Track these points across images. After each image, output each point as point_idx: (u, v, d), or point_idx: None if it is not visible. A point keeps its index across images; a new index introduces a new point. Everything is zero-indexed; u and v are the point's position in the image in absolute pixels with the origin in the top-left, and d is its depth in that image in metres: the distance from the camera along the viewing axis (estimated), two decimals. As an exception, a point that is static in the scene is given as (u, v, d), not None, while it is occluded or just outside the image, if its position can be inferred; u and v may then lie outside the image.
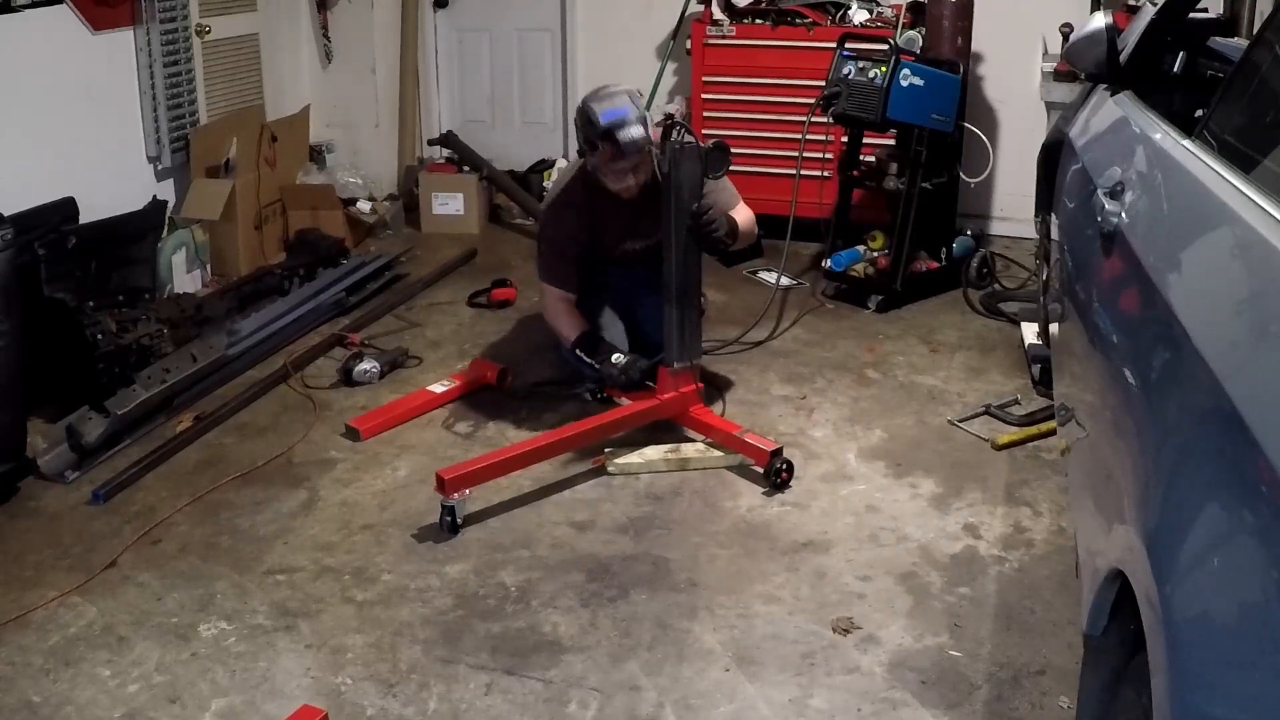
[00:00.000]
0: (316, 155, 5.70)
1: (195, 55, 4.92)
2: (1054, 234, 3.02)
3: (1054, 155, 3.07)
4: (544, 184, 5.90)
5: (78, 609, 2.73)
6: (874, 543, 2.99)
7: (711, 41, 5.31)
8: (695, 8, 5.49)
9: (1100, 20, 2.83)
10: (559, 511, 3.15)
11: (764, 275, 5.01)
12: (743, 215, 3.70)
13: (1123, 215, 2.00)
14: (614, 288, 3.98)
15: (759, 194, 5.16)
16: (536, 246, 3.94)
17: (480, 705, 2.39)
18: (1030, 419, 3.60)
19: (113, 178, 4.48)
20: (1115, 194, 2.09)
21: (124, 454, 3.46)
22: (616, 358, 3.62)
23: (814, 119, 4.49)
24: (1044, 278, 3.43)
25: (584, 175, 3.70)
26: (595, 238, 3.79)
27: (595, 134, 3.49)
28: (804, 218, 4.51)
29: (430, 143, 6.07)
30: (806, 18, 5.18)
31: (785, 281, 4.65)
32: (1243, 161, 1.71)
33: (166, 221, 4.61)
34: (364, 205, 5.64)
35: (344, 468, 3.41)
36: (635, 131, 3.46)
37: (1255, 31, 3.12)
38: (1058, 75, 4.89)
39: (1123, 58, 2.85)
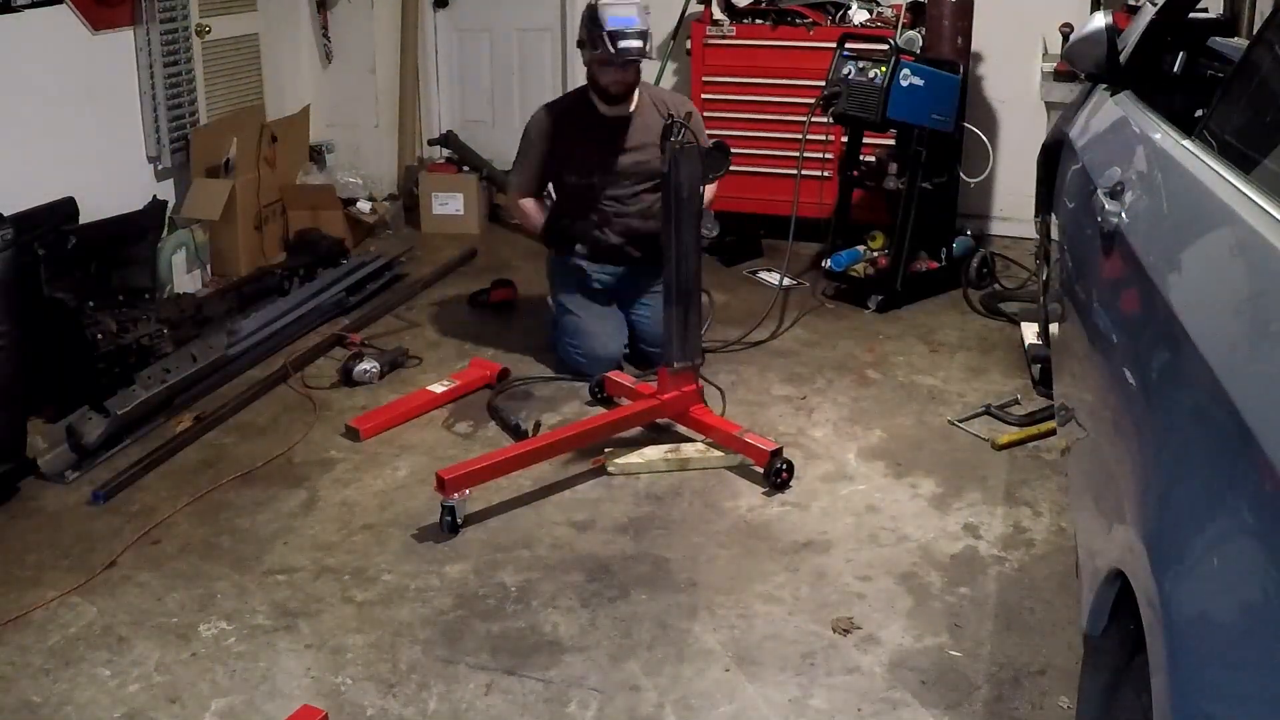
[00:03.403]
0: (316, 155, 5.70)
1: (195, 55, 4.92)
2: (1054, 234, 3.02)
3: (1054, 155, 3.07)
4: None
5: (78, 609, 2.73)
6: (874, 543, 2.99)
7: (711, 41, 5.31)
8: (695, 8, 5.48)
9: (1100, 20, 2.83)
10: (559, 511, 3.15)
11: (764, 275, 5.01)
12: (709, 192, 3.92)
13: (1123, 215, 2.00)
14: (610, 287, 4.06)
15: (759, 194, 5.20)
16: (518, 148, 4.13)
17: (480, 705, 2.39)
18: (1030, 419, 3.60)
19: (113, 178, 4.48)
20: (1115, 194, 2.09)
21: (124, 454, 3.46)
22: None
23: (814, 119, 4.50)
24: (1044, 278, 3.43)
25: (581, 92, 4.05)
26: (574, 157, 3.99)
27: (597, 33, 3.76)
28: (804, 218, 4.51)
29: (430, 143, 6.07)
30: (806, 18, 5.18)
31: (786, 282, 4.65)
32: (1243, 161, 1.71)
33: (166, 221, 4.61)
34: (364, 205, 5.64)
35: (344, 468, 3.41)
36: (633, 44, 3.75)
37: (1255, 31, 3.11)
38: (1058, 75, 4.89)
39: (1123, 58, 2.85)
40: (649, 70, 5.69)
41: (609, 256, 4.06)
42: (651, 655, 2.54)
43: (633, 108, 4.00)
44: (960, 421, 3.63)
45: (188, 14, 4.83)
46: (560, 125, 4.00)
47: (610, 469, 3.33)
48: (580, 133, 3.98)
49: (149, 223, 4.42)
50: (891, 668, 2.49)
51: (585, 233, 4.00)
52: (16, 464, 3.26)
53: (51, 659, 2.55)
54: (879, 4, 5.19)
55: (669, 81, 5.75)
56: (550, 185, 4.17)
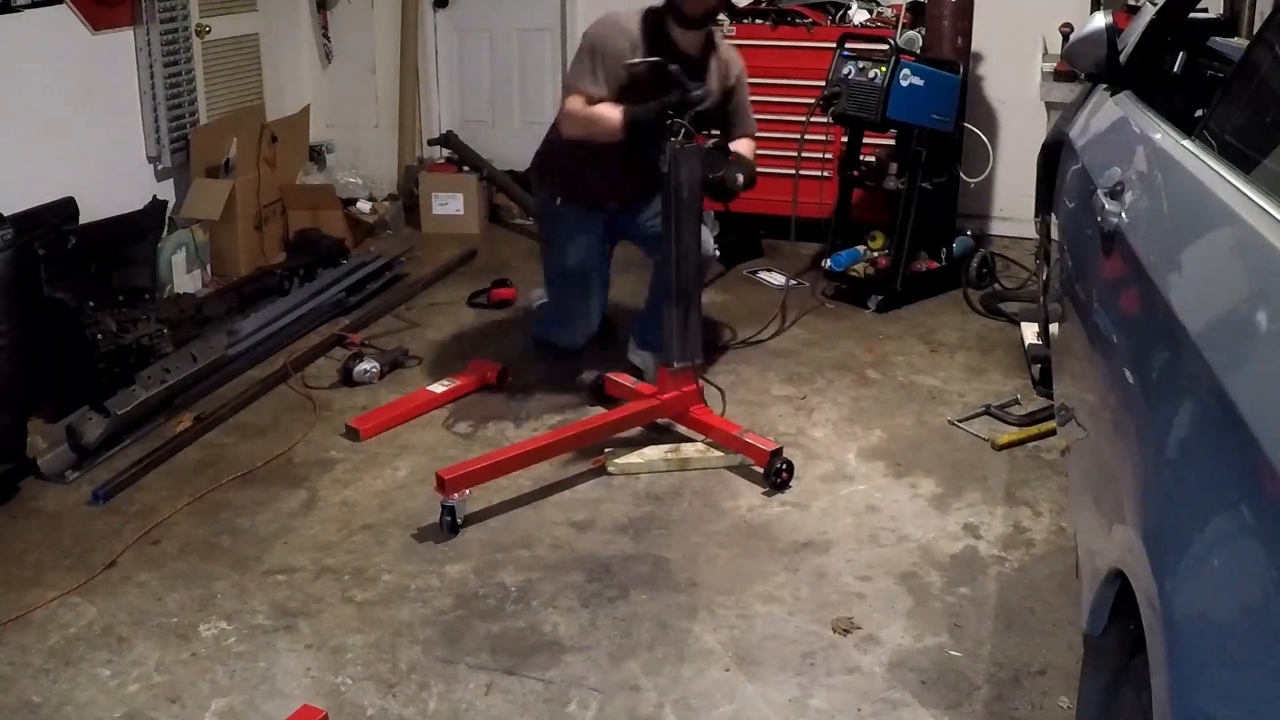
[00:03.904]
0: (316, 155, 5.70)
1: (195, 55, 4.92)
2: (1054, 234, 3.02)
3: (1054, 155, 3.07)
4: (544, 184, 5.89)
5: (78, 609, 2.73)
6: (874, 543, 2.99)
7: (711, 41, 5.30)
8: (695, 8, 5.48)
9: (1100, 20, 2.83)
10: (559, 511, 3.15)
11: (764, 276, 5.01)
12: (747, 149, 3.77)
13: (1123, 215, 2.00)
14: (603, 230, 3.88)
15: (759, 194, 5.18)
16: (576, 57, 3.61)
17: (480, 705, 2.39)
18: (1030, 419, 3.60)
19: (113, 178, 4.48)
20: (1115, 194, 2.09)
21: (124, 454, 3.46)
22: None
23: (814, 119, 4.49)
24: (1044, 278, 3.43)
25: (649, 14, 3.57)
26: (636, 84, 3.47)
27: None
28: (804, 218, 4.50)
29: (430, 143, 6.08)
30: (806, 18, 5.18)
31: (790, 282, 4.65)
32: (1243, 161, 1.71)
33: (166, 221, 4.61)
34: (364, 205, 5.64)
35: (344, 468, 3.41)
36: None
37: (1255, 31, 3.11)
38: (1058, 75, 4.89)
39: (1123, 58, 2.85)
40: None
41: (616, 197, 3.79)
42: (651, 655, 2.54)
43: (708, 55, 3.64)
44: (960, 421, 3.63)
45: (188, 14, 4.84)
46: (634, 41, 3.52)
47: (610, 469, 3.33)
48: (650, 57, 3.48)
49: (149, 223, 4.42)
50: (891, 668, 2.49)
51: (602, 174, 3.67)
52: (16, 464, 3.26)
53: (51, 659, 2.55)
54: (879, 4, 5.19)
55: (669, 81, 5.75)
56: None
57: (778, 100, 5.19)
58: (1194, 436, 1.39)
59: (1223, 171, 1.70)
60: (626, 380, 3.74)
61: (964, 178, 4.93)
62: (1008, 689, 2.42)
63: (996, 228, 5.50)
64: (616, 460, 3.34)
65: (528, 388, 3.92)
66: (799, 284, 4.86)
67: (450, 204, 5.74)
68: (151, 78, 4.67)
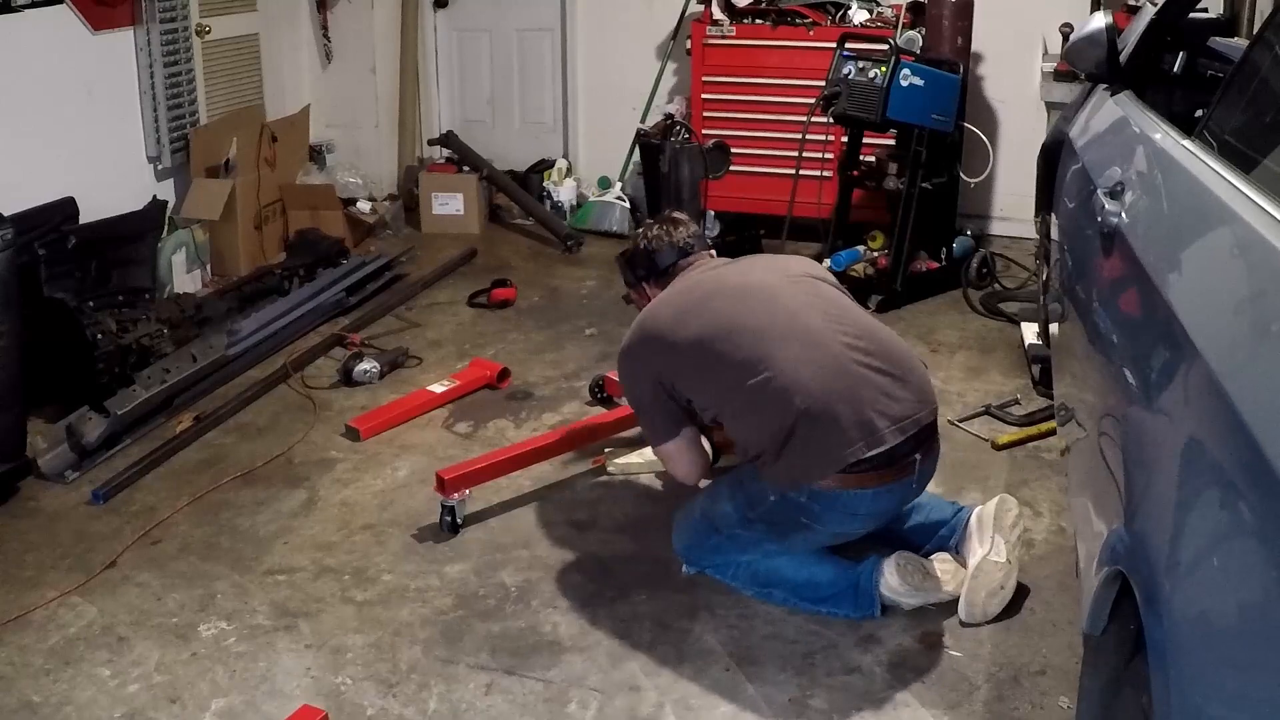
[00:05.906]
0: (316, 155, 5.70)
1: (195, 55, 4.92)
2: (1054, 234, 3.03)
3: (1054, 155, 3.08)
4: (544, 184, 5.90)
5: (78, 609, 2.73)
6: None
7: (711, 41, 5.30)
8: (695, 8, 5.49)
9: (1100, 20, 2.83)
10: (559, 511, 3.15)
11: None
12: None
13: (1123, 215, 2.01)
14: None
15: (759, 194, 5.20)
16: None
17: (480, 705, 2.39)
18: (1030, 419, 3.60)
19: (113, 178, 4.49)
20: (1115, 194, 2.09)
21: (124, 454, 3.46)
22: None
23: (814, 119, 4.49)
24: (1044, 278, 3.43)
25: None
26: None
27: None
28: (803, 218, 4.50)
29: (430, 143, 6.08)
30: (806, 18, 5.18)
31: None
32: (1243, 161, 1.71)
33: (166, 221, 4.61)
34: (364, 205, 5.64)
35: (344, 468, 3.41)
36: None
37: (1255, 31, 3.12)
38: (1058, 75, 4.89)
39: (1123, 58, 2.85)
40: (647, 76, 5.71)
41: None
42: (651, 655, 2.54)
43: None
44: (960, 421, 3.63)
45: (188, 14, 4.84)
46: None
47: (610, 469, 3.33)
48: None
49: (149, 223, 4.42)
50: (891, 668, 2.49)
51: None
52: (16, 464, 3.26)
53: (51, 659, 2.55)
54: (879, 4, 5.18)
55: (669, 82, 5.76)
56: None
57: (778, 100, 5.20)
58: (1194, 436, 1.39)
59: (1223, 171, 1.70)
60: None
61: (964, 178, 4.93)
62: (1008, 689, 2.42)
63: (996, 228, 5.50)
64: (616, 460, 3.34)
65: (528, 388, 3.92)
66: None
67: (450, 204, 5.73)
68: (151, 78, 4.67)
